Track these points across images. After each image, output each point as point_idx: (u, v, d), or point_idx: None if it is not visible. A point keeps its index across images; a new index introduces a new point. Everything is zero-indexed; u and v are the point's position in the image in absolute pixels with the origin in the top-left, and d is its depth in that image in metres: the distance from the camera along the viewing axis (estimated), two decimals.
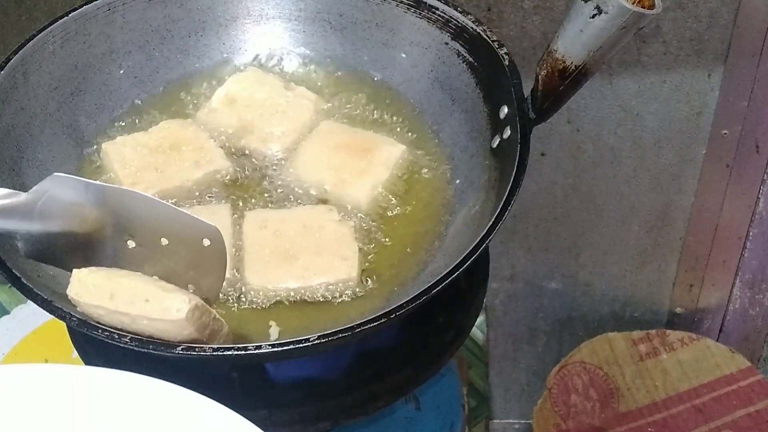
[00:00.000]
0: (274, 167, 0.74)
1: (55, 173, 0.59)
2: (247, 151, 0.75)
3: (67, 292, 0.58)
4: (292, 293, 0.66)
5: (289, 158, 0.74)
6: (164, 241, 0.59)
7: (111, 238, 0.60)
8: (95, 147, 0.75)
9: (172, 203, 0.64)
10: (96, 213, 0.60)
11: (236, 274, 0.67)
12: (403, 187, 0.73)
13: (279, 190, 0.72)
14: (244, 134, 0.75)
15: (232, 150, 0.75)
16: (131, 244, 0.60)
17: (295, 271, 0.66)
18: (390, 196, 0.72)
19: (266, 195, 0.72)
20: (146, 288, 0.57)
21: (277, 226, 0.68)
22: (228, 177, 0.73)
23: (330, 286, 0.66)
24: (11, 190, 0.59)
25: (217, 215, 0.69)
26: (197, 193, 0.72)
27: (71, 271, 0.58)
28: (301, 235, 0.68)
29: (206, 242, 0.58)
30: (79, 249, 0.61)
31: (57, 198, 0.59)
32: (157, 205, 0.59)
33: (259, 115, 0.76)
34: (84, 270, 0.58)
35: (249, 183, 0.73)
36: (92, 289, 0.57)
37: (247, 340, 0.63)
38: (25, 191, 0.68)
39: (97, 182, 0.63)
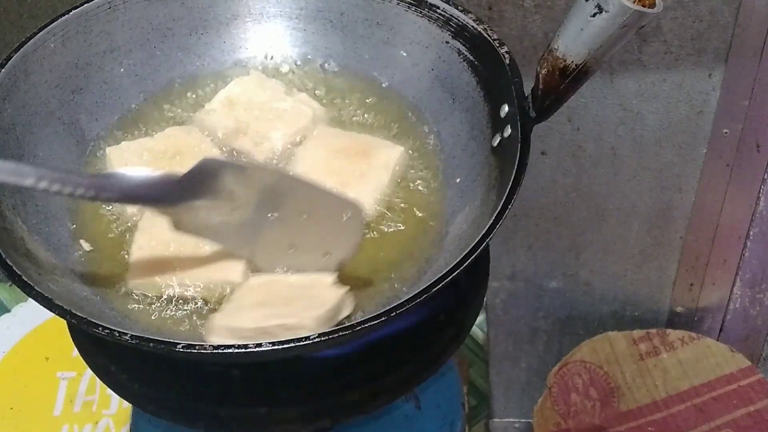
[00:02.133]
0: None
1: (205, 157, 0.62)
2: (240, 154, 0.75)
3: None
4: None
5: (287, 164, 0.74)
6: (305, 216, 0.64)
7: (256, 213, 0.64)
8: (96, 146, 0.75)
9: None
10: (243, 192, 0.63)
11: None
12: (404, 186, 0.73)
13: None
14: (238, 136, 0.75)
15: (224, 151, 0.75)
16: (273, 215, 0.64)
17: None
18: (391, 196, 0.72)
19: None
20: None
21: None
22: None
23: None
24: (167, 173, 0.62)
25: None
26: None
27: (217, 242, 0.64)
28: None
29: (346, 216, 0.64)
30: (227, 224, 0.64)
31: (207, 180, 0.62)
32: (305, 185, 0.65)
33: (255, 118, 0.76)
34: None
35: None
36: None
37: None
38: (25, 189, 0.68)
39: (245, 162, 0.69)
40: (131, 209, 0.70)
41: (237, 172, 0.63)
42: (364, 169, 0.72)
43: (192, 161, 0.72)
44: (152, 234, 0.67)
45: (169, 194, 0.62)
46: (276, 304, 0.63)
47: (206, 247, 0.67)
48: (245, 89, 0.78)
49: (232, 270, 0.66)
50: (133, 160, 0.73)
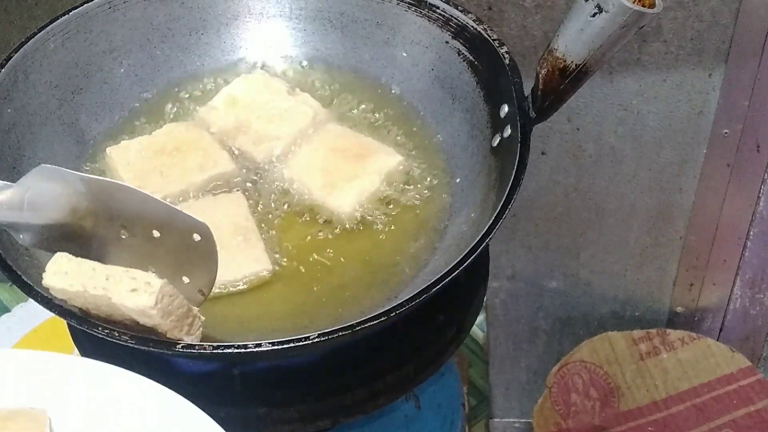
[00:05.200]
0: (266, 170, 0.74)
1: (42, 164, 0.59)
2: (237, 152, 0.75)
3: (44, 281, 0.58)
4: None
5: (284, 160, 0.74)
6: (156, 234, 0.59)
7: (104, 228, 0.61)
8: (96, 145, 0.75)
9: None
10: (86, 203, 0.60)
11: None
12: (404, 186, 0.73)
13: (271, 196, 0.72)
14: (238, 134, 0.75)
15: (224, 146, 0.75)
16: (124, 234, 0.60)
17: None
18: (391, 197, 0.72)
19: (256, 195, 0.72)
20: (116, 270, 0.57)
21: None
22: (237, 179, 0.73)
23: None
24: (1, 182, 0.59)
25: (233, 204, 0.70)
26: (201, 195, 0.72)
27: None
28: None
29: (197, 237, 0.58)
30: (73, 239, 0.61)
31: (45, 189, 0.59)
32: (147, 198, 0.59)
33: (256, 117, 0.76)
34: (61, 256, 0.58)
35: (242, 184, 0.73)
36: (67, 275, 0.57)
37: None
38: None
39: (83, 174, 0.63)
40: None
41: (73, 182, 0.59)
42: (356, 172, 0.72)
43: (191, 156, 0.73)
44: None
45: (2, 205, 0.59)
46: None
47: (224, 239, 0.67)
48: (248, 88, 0.78)
49: (258, 260, 0.67)
50: (134, 158, 0.73)
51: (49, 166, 0.59)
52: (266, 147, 0.74)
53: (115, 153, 0.74)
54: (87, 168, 0.74)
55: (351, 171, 0.72)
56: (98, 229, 0.61)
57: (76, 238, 0.61)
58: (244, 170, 0.74)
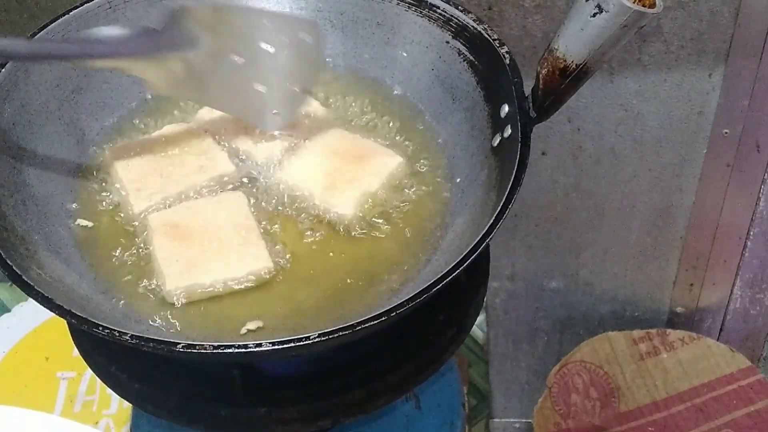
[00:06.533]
0: (267, 170, 0.74)
1: (176, 5, 0.63)
2: (238, 153, 0.75)
3: None
4: None
5: (284, 161, 0.74)
6: (265, 46, 0.64)
7: (225, 57, 0.64)
8: (96, 145, 0.75)
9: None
10: (213, 34, 0.63)
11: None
12: (404, 187, 0.73)
13: (272, 196, 0.72)
14: (239, 135, 0.75)
15: (223, 147, 0.75)
16: (239, 60, 0.64)
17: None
18: (391, 197, 0.72)
19: (256, 195, 0.72)
20: None
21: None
22: (237, 180, 0.73)
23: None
24: (143, 27, 0.63)
25: (233, 203, 0.70)
26: (201, 196, 0.72)
27: (193, 101, 0.67)
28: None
29: (305, 37, 0.63)
30: (199, 76, 0.65)
31: (179, 30, 0.63)
32: (253, 12, 0.66)
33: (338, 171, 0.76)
34: None
35: (242, 184, 0.73)
36: None
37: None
38: (25, 189, 0.68)
39: (213, 3, 0.68)
40: (140, 207, 0.70)
41: (205, 16, 0.63)
42: (356, 174, 0.72)
43: (191, 157, 0.73)
44: (167, 233, 0.68)
45: (146, 47, 0.63)
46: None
47: (224, 238, 0.67)
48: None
49: (259, 258, 0.67)
50: (134, 159, 0.73)
51: (183, 8, 0.64)
52: (267, 147, 0.74)
53: (115, 154, 0.74)
54: (88, 167, 0.74)
55: (352, 173, 0.72)
56: (214, 61, 0.64)
57: (197, 76, 0.64)
58: (244, 171, 0.74)
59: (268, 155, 0.74)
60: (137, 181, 0.71)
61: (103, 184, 0.73)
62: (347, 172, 0.72)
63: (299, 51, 0.64)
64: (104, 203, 0.72)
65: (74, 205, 0.71)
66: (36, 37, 0.71)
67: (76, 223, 0.70)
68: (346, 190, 0.71)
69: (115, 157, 0.73)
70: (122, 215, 0.71)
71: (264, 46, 0.63)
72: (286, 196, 0.72)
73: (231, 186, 0.73)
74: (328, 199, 0.71)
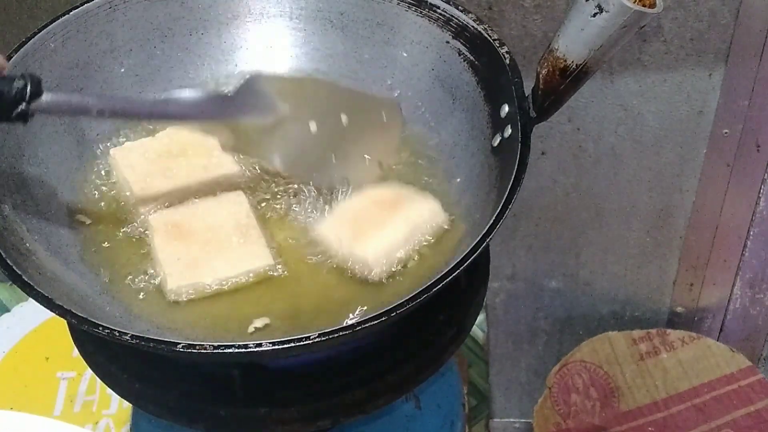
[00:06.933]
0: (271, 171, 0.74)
1: (250, 75, 0.65)
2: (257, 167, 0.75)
3: None
4: None
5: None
6: (344, 119, 0.65)
7: (298, 124, 0.66)
8: (96, 146, 0.75)
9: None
10: (286, 104, 0.65)
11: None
12: (403, 187, 0.73)
13: (274, 194, 0.72)
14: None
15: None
16: (313, 126, 0.65)
17: None
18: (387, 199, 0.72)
19: (259, 195, 0.72)
20: None
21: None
22: (240, 181, 0.73)
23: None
24: (216, 91, 0.67)
25: (234, 203, 0.70)
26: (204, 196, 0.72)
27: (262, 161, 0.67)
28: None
29: (384, 115, 0.65)
30: (269, 137, 0.66)
31: (254, 95, 0.65)
32: (337, 87, 0.67)
33: None
34: None
35: (246, 185, 0.73)
36: None
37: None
38: (25, 189, 0.68)
39: (287, 74, 0.72)
40: (144, 208, 0.70)
41: (281, 84, 0.65)
42: (385, 220, 0.69)
43: (196, 159, 0.73)
44: (168, 233, 0.68)
45: (221, 111, 0.65)
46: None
47: (225, 237, 0.68)
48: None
49: (260, 256, 0.67)
50: (137, 160, 0.73)
51: (258, 75, 0.66)
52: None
53: (119, 155, 0.74)
54: (88, 167, 0.74)
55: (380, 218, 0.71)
56: (291, 126, 0.66)
57: (271, 137, 0.66)
58: (248, 171, 0.74)
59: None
60: (142, 181, 0.72)
61: (103, 186, 0.73)
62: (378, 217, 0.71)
63: (376, 126, 0.66)
64: (104, 203, 0.72)
65: (74, 206, 0.71)
66: (106, 95, 0.74)
67: (77, 222, 0.70)
68: (370, 238, 0.69)
69: (119, 158, 0.73)
70: (123, 215, 0.71)
71: (342, 117, 0.66)
72: (286, 192, 0.72)
73: (234, 187, 0.73)
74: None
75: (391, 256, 0.67)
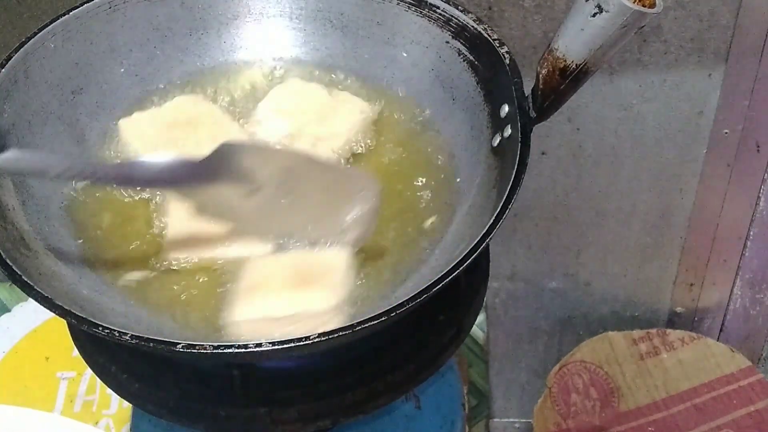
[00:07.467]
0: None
1: (224, 142, 0.63)
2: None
3: None
4: None
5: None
6: (320, 193, 0.64)
7: (273, 193, 0.65)
8: (96, 145, 0.75)
9: None
10: (261, 173, 0.64)
11: None
12: (404, 187, 0.73)
13: None
14: (293, 141, 0.75)
15: (234, 116, 0.75)
16: (290, 195, 0.65)
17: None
18: (388, 198, 0.72)
19: None
20: None
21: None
22: None
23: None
24: (187, 157, 0.64)
25: None
26: None
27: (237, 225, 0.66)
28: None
29: (362, 193, 0.64)
30: (246, 205, 0.65)
31: (226, 163, 0.63)
32: (319, 163, 0.66)
33: (306, 121, 0.75)
34: None
35: None
36: None
37: None
38: (25, 189, 0.68)
39: (262, 144, 0.71)
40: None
41: (255, 154, 0.64)
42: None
43: (204, 129, 0.74)
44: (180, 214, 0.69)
45: (189, 177, 0.64)
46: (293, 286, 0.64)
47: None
48: (287, 96, 0.77)
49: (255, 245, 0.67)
50: (146, 130, 0.73)
51: (230, 142, 0.64)
52: (326, 145, 0.74)
53: (127, 125, 0.74)
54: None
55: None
56: (263, 196, 0.65)
57: (244, 206, 0.65)
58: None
59: (327, 151, 0.74)
60: (151, 151, 0.72)
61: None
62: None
63: (352, 203, 0.65)
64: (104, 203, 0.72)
65: (74, 205, 0.71)
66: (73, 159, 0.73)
67: (77, 222, 0.70)
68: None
69: (128, 128, 0.74)
70: (124, 214, 0.71)
71: (315, 192, 0.65)
72: None
73: None
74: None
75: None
